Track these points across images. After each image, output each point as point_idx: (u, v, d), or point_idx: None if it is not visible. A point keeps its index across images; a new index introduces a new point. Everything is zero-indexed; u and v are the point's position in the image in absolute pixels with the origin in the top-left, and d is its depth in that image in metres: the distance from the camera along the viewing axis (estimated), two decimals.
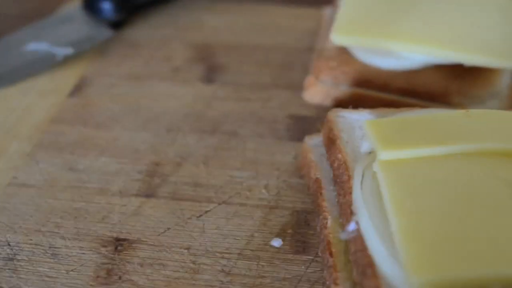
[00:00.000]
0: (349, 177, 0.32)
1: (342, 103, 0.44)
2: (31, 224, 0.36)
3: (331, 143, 0.36)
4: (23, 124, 0.45)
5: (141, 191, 0.38)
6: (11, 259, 0.34)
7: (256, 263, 0.33)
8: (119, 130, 0.44)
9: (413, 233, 0.27)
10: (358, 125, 0.37)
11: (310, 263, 0.33)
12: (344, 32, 0.44)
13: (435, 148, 0.32)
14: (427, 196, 0.29)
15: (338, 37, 0.43)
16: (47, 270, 0.33)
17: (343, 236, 0.31)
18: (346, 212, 0.32)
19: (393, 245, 0.27)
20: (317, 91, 0.45)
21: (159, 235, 0.35)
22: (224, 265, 0.33)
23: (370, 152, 0.34)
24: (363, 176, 0.32)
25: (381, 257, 0.28)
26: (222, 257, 0.34)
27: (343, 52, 0.45)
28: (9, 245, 0.35)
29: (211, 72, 0.50)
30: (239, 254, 0.34)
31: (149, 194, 0.38)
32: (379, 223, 0.29)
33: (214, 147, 0.42)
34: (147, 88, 0.48)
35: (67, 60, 0.51)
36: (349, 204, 0.31)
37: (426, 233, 0.27)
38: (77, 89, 0.49)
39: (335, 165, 0.35)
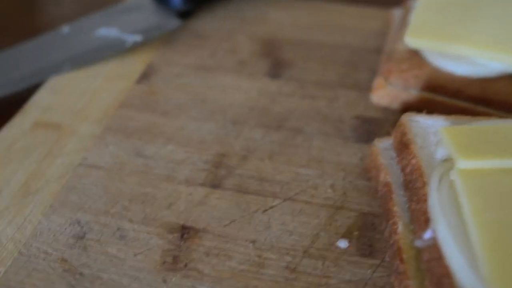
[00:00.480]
0: (424, 184, 0.32)
1: (411, 107, 0.43)
2: (100, 205, 0.37)
3: (404, 147, 0.35)
4: (92, 107, 0.46)
5: (207, 181, 0.39)
6: (81, 238, 0.35)
7: (322, 262, 0.33)
8: (185, 119, 0.44)
9: (495, 247, 0.26)
10: (433, 131, 0.36)
11: (376, 267, 0.33)
12: (419, 35, 0.43)
13: None
14: (508, 209, 0.28)
15: (412, 40, 0.43)
16: (115, 251, 0.34)
17: (419, 243, 0.30)
18: (419, 219, 0.31)
19: (472, 257, 0.27)
20: (386, 94, 0.45)
21: (224, 226, 0.35)
22: (289, 262, 0.33)
23: (446, 160, 0.33)
24: (439, 183, 0.31)
25: (459, 268, 0.27)
26: (287, 254, 0.34)
27: (415, 55, 0.44)
28: (79, 223, 0.36)
29: (277, 67, 0.50)
30: (304, 252, 0.34)
31: (215, 184, 0.38)
32: (457, 233, 0.28)
33: (280, 143, 0.42)
34: (213, 79, 0.49)
35: (135, 47, 0.52)
36: (424, 211, 0.31)
37: (509, 248, 0.26)
38: (145, 76, 0.49)
39: (408, 170, 0.34)
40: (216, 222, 0.36)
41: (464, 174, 0.31)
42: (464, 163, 0.31)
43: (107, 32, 0.53)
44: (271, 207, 0.36)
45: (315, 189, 0.38)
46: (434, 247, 0.29)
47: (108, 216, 0.36)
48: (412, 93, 0.44)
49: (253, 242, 0.34)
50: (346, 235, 0.35)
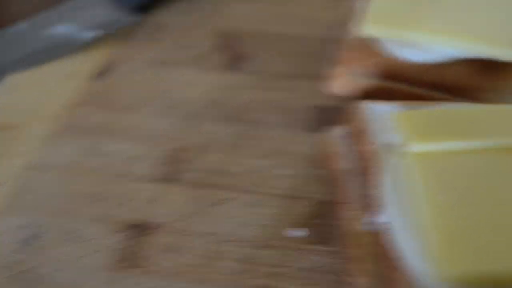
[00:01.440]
0: (377, 169, 0.32)
1: (369, 96, 0.43)
2: (51, 207, 0.36)
3: (358, 134, 0.35)
4: (48, 106, 0.45)
5: (164, 176, 0.38)
6: (30, 241, 0.34)
7: (280, 252, 0.33)
8: (143, 115, 0.44)
9: (446, 227, 0.26)
10: (387, 117, 0.36)
11: (334, 255, 0.33)
12: (375, 23, 0.43)
13: (468, 142, 0.31)
14: (460, 191, 0.29)
15: (369, 28, 0.42)
16: (70, 251, 0.33)
17: (370, 228, 0.30)
18: (372, 204, 0.31)
19: (423, 239, 0.27)
20: (344, 83, 0.45)
21: (180, 221, 0.35)
22: (247, 254, 0.33)
23: (399, 145, 0.33)
24: (391, 168, 0.31)
25: (410, 250, 0.27)
26: (245, 246, 0.33)
27: (372, 44, 0.44)
28: (30, 226, 0.35)
29: (236, 60, 0.50)
30: (262, 243, 0.33)
31: (171, 179, 0.38)
32: (408, 216, 0.28)
33: (238, 135, 0.41)
34: (172, 73, 0.48)
35: (93, 43, 0.51)
36: (376, 196, 0.31)
37: (459, 228, 0.26)
38: (102, 72, 0.49)
39: (362, 156, 0.34)
40: (173, 217, 0.35)
41: (416, 157, 0.31)
42: (416, 147, 0.31)
43: (63, 29, 0.52)
44: (228, 200, 0.36)
45: (273, 180, 0.37)
46: (386, 231, 0.29)
47: (59, 217, 0.35)
48: (369, 82, 0.44)
49: (210, 235, 0.34)
50: (303, 224, 0.34)
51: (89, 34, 0.51)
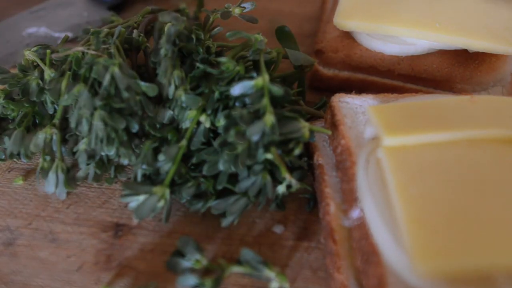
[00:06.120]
0: (353, 163, 0.32)
1: (344, 88, 0.44)
2: (31, 209, 0.36)
3: (334, 128, 0.35)
4: None
5: None
6: (11, 244, 0.34)
7: (258, 249, 0.33)
8: None
9: (418, 220, 0.27)
10: (362, 111, 0.36)
11: (312, 250, 0.33)
12: (348, 17, 0.43)
13: (440, 134, 0.32)
14: (432, 182, 0.29)
15: (341, 22, 0.43)
16: (47, 255, 0.33)
17: (347, 223, 0.30)
18: (349, 198, 0.31)
19: (398, 233, 0.27)
20: (319, 76, 0.45)
21: (159, 220, 0.35)
22: (226, 251, 0.33)
23: (373, 138, 0.33)
24: (367, 162, 0.31)
25: (385, 244, 0.27)
26: (224, 244, 0.33)
27: (347, 37, 0.45)
28: (9, 229, 0.34)
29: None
30: (240, 240, 0.33)
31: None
32: (383, 210, 0.28)
33: None
34: None
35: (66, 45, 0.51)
36: (353, 190, 0.31)
37: (431, 221, 0.27)
38: None
39: (338, 150, 0.34)
40: (151, 217, 0.35)
41: (389, 151, 0.31)
42: (389, 140, 0.31)
43: (36, 30, 0.51)
44: None
45: None
46: (362, 225, 0.29)
47: (39, 219, 0.35)
48: (345, 75, 0.44)
49: (189, 234, 0.34)
50: (282, 220, 0.35)
51: (62, 36, 0.51)
